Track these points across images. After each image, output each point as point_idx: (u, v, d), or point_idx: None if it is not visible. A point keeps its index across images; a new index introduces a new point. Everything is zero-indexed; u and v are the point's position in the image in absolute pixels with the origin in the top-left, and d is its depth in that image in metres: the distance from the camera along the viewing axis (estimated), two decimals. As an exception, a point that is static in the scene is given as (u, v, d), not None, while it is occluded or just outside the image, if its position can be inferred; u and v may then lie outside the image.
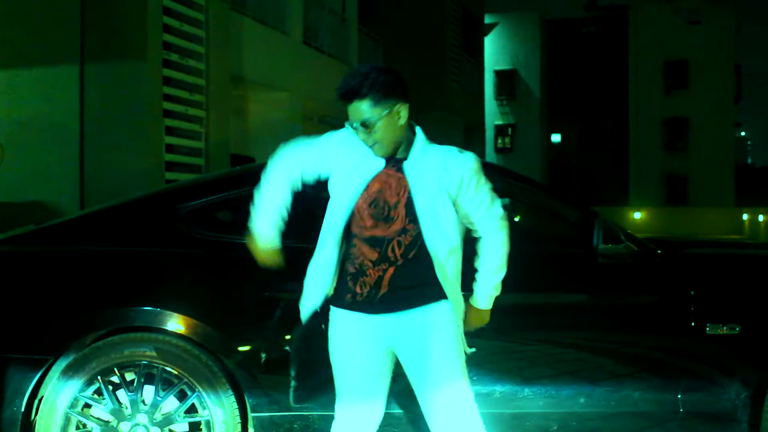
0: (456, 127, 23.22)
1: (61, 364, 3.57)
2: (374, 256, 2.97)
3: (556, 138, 48.60)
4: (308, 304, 3.11)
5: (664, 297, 3.95)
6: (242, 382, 3.60)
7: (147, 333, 3.59)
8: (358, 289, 3.00)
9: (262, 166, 4.25)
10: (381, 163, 2.97)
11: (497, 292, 3.16)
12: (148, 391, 3.59)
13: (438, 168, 2.97)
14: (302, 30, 15.43)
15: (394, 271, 2.96)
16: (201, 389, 3.55)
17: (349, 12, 18.22)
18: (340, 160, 3.03)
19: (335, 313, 3.09)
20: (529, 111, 45.85)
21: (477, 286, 3.16)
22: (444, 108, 21.95)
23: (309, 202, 3.78)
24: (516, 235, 3.27)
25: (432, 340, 3.00)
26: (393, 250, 2.96)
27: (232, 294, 3.72)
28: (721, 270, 4.18)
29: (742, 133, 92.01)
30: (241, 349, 3.62)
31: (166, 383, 3.59)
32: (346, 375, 3.08)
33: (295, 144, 3.18)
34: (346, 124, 3.01)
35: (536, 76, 46.39)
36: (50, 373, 3.59)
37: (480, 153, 26.79)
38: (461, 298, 3.08)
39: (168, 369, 3.57)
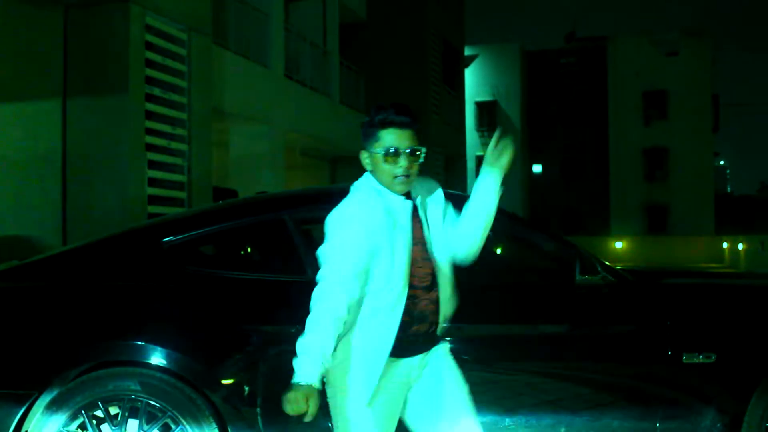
0: (437, 158, 23.35)
1: (45, 399, 3.58)
2: (435, 295, 2.95)
3: (537, 168, 48.91)
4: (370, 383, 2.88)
5: (641, 327, 4.02)
6: (225, 415, 3.62)
7: (131, 367, 3.61)
8: (404, 339, 2.89)
9: (245, 200, 4.33)
10: (408, 205, 2.93)
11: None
12: (132, 424, 3.60)
13: (431, 201, 3.03)
14: (284, 63, 15.55)
15: (439, 305, 2.97)
16: (185, 422, 3.57)
17: (330, 45, 18.37)
18: (378, 225, 2.87)
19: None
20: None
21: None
22: (425, 139, 21.96)
23: (284, 236, 3.85)
24: (495, 266, 3.34)
25: (452, 372, 3.04)
26: (433, 283, 2.97)
27: (216, 328, 3.75)
28: (696, 300, 4.25)
29: (721, 162, 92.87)
30: (224, 382, 3.64)
31: (150, 417, 3.61)
32: (370, 423, 2.91)
33: (340, 251, 2.85)
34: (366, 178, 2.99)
35: (516, 107, 46.78)
36: (34, 407, 3.60)
37: (461, 184, 26.91)
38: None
39: (152, 402, 3.59)
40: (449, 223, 3.06)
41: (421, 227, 2.97)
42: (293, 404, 2.71)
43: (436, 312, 2.97)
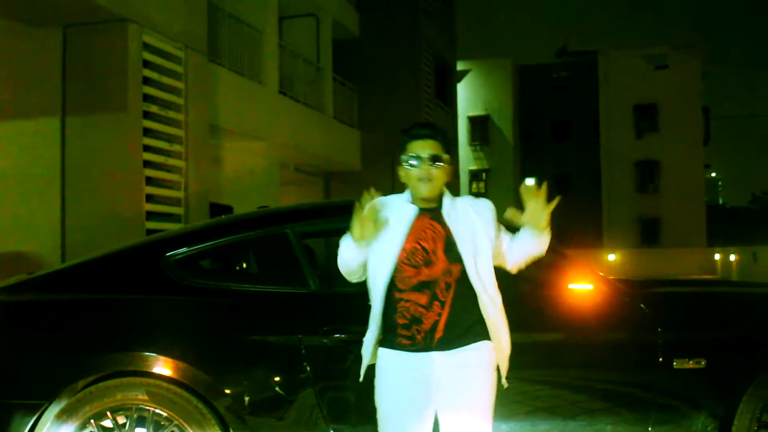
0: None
1: (54, 409, 3.68)
2: (425, 299, 3.20)
3: (530, 182, 48.89)
4: (364, 361, 3.35)
5: (632, 334, 4.13)
6: (231, 424, 3.72)
7: (139, 377, 3.71)
8: (412, 335, 3.21)
9: (245, 216, 4.45)
10: (413, 211, 3.29)
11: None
12: (140, 433, 3.70)
13: (469, 214, 3.31)
14: (278, 80, 15.66)
15: (448, 314, 3.20)
16: (191, 431, 3.67)
17: (323, 61, 18.51)
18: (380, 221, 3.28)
19: (386, 354, 3.28)
20: (503, 156, 46.36)
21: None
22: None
23: (286, 249, 3.97)
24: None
25: (480, 379, 3.23)
26: (441, 290, 3.20)
27: (220, 338, 3.85)
28: (686, 307, 4.38)
29: (713, 174, 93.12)
30: (229, 391, 3.73)
31: (157, 426, 3.71)
32: (395, 413, 3.22)
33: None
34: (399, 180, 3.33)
35: (509, 122, 47.01)
36: (44, 417, 3.69)
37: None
38: (504, 339, 3.32)
39: (159, 412, 3.69)
40: (502, 241, 3.39)
41: (431, 239, 3.24)
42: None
43: (439, 315, 3.19)
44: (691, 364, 4.03)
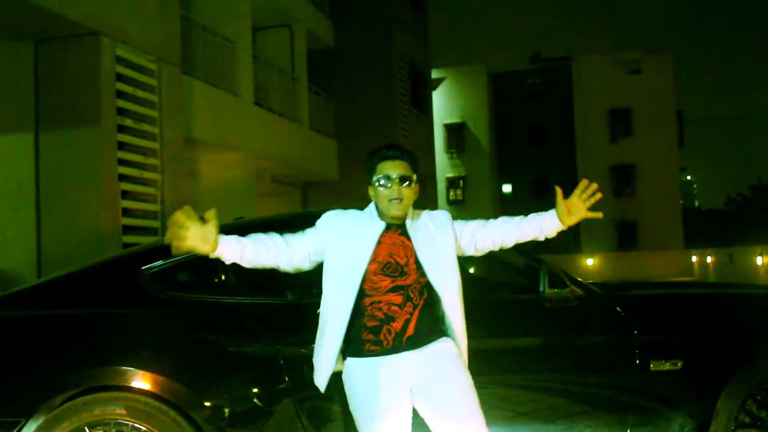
0: (408, 181, 23.48)
1: (32, 425, 3.65)
2: (399, 299, 3.35)
3: (507, 188, 49.29)
4: (325, 371, 3.41)
5: (609, 337, 4.16)
6: (209, 436, 3.71)
7: (116, 392, 3.69)
8: (381, 338, 3.34)
9: (222, 227, 4.44)
10: (381, 226, 3.42)
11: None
12: (119, 448, 3.68)
13: (428, 227, 3.50)
14: (253, 91, 15.64)
15: (418, 315, 3.37)
16: (171, 444, 3.66)
17: (298, 72, 18.51)
18: (333, 238, 3.43)
19: (354, 363, 3.38)
20: (480, 162, 46.50)
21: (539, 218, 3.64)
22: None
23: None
24: (468, 284, 3.49)
25: (451, 365, 3.38)
26: (414, 293, 3.37)
27: (198, 350, 3.84)
28: (661, 309, 4.41)
29: (688, 177, 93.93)
30: (208, 404, 3.72)
31: (136, 440, 3.69)
32: (373, 419, 3.28)
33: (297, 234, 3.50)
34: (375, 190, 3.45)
35: (485, 128, 47.15)
36: (22, 434, 3.67)
37: (432, 206, 27.06)
38: (464, 336, 3.49)
39: (137, 426, 3.66)
40: (468, 235, 3.59)
41: (403, 254, 3.39)
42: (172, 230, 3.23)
43: (410, 314, 3.36)
44: (667, 366, 4.07)
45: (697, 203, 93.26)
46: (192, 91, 12.48)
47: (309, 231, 3.48)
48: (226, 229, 3.35)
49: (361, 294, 3.36)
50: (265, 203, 17.13)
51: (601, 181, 40.66)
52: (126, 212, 9.94)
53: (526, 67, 52.11)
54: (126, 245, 9.48)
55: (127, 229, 9.90)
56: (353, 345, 3.38)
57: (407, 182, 3.41)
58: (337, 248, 3.41)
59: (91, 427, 3.66)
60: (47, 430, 3.62)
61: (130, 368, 3.72)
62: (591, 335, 4.18)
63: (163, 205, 10.61)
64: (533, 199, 47.40)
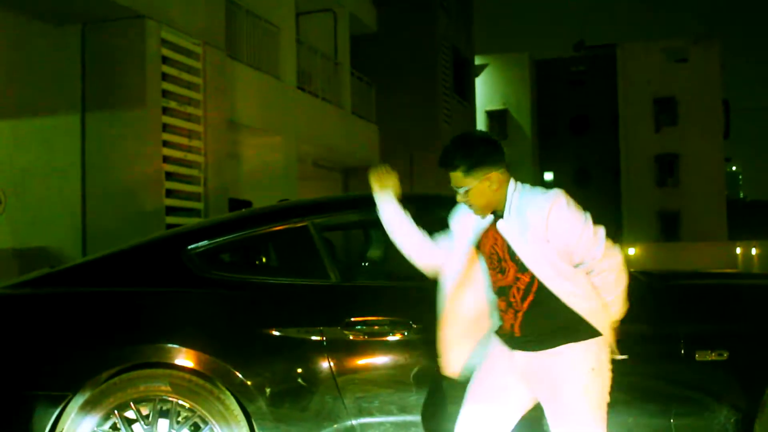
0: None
1: (78, 400, 3.71)
2: (502, 305, 3.29)
3: (548, 176, 48.96)
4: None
5: (653, 326, 4.12)
6: (253, 415, 3.74)
7: (161, 369, 3.74)
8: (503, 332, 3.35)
9: (265, 209, 4.46)
10: (487, 220, 3.31)
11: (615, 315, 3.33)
12: (163, 424, 3.72)
13: (524, 218, 3.16)
14: (296, 75, 15.69)
15: (522, 318, 3.23)
16: (214, 422, 3.69)
17: (341, 56, 18.53)
18: (461, 224, 3.42)
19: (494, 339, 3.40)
20: (521, 150, 46.22)
21: None
22: (437, 149, 21.98)
23: (307, 242, 3.99)
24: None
25: (562, 381, 3.19)
26: (513, 296, 3.23)
27: (242, 330, 3.87)
28: (708, 299, 4.36)
29: (734, 168, 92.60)
30: (251, 382, 3.74)
31: (180, 416, 3.74)
32: (477, 394, 3.32)
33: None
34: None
35: (527, 116, 46.85)
36: (68, 408, 3.73)
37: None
38: (598, 333, 3.22)
39: (181, 403, 3.71)
40: (560, 240, 3.20)
41: (501, 247, 3.24)
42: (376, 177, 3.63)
43: (514, 318, 3.25)
44: (713, 357, 4.01)
45: (742, 194, 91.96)
46: (236, 74, 12.55)
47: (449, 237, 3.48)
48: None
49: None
50: (306, 187, 17.19)
51: (645, 171, 40.22)
52: (170, 193, 10.04)
53: (570, 54, 51.62)
54: (169, 226, 9.59)
55: (171, 210, 10.01)
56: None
57: (465, 190, 3.23)
58: (460, 237, 3.41)
59: (136, 402, 3.71)
60: (93, 405, 3.68)
61: (175, 346, 3.76)
62: (635, 324, 4.13)
63: (206, 187, 10.70)
64: (575, 187, 47.06)
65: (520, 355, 3.25)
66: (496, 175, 3.20)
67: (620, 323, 3.81)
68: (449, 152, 3.25)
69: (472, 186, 3.20)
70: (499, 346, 3.34)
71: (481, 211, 3.27)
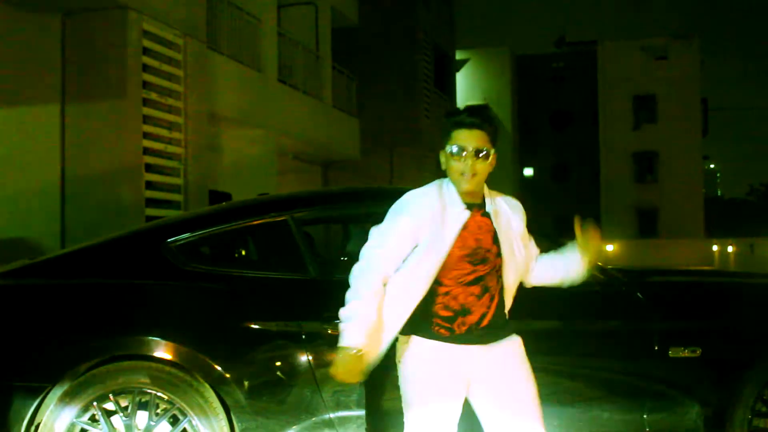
0: (429, 162, 23.52)
1: (57, 392, 3.71)
2: (478, 290, 3.12)
3: (528, 172, 49.15)
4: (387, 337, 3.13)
5: (628, 322, 4.17)
6: (232, 407, 3.76)
7: (141, 361, 3.75)
8: (454, 327, 3.11)
9: (246, 203, 4.48)
10: (466, 213, 3.11)
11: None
12: (142, 416, 3.73)
13: (506, 211, 3.26)
14: (277, 68, 15.67)
15: (495, 307, 3.16)
16: (193, 414, 3.70)
17: (322, 50, 18.50)
18: (427, 223, 3.09)
19: (419, 343, 3.14)
20: (501, 145, 46.13)
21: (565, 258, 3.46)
22: (417, 143, 22.22)
23: (286, 236, 4.01)
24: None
25: (519, 370, 3.21)
26: (491, 282, 3.16)
27: (221, 323, 3.88)
28: (682, 296, 4.43)
29: (711, 166, 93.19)
30: (230, 375, 3.76)
31: (158, 409, 3.75)
32: (424, 404, 3.11)
33: (384, 233, 3.14)
34: (442, 157, 3.18)
35: (507, 111, 46.98)
36: (47, 400, 3.73)
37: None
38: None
39: (160, 395, 3.73)
40: (529, 247, 3.38)
41: (485, 235, 3.15)
42: (342, 366, 3.02)
43: (488, 307, 3.14)
44: (686, 353, 4.07)
45: (719, 192, 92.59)
46: (217, 66, 12.52)
47: (399, 225, 3.11)
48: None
49: (437, 282, 3.10)
50: (286, 180, 17.19)
51: (624, 168, 40.46)
52: (149, 185, 10.02)
53: (551, 50, 51.79)
54: (149, 218, 9.56)
55: (150, 202, 9.99)
56: (422, 325, 3.13)
57: (483, 155, 3.09)
58: (426, 233, 3.08)
59: (115, 394, 3.72)
60: (72, 396, 3.69)
61: (154, 338, 3.77)
62: (611, 320, 4.19)
63: (186, 179, 10.68)
64: (554, 183, 47.27)
65: (475, 348, 3.11)
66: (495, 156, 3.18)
67: (595, 319, 3.88)
68: (483, 109, 3.18)
69: (492, 151, 3.13)
70: (439, 353, 3.11)
71: (476, 184, 3.13)
